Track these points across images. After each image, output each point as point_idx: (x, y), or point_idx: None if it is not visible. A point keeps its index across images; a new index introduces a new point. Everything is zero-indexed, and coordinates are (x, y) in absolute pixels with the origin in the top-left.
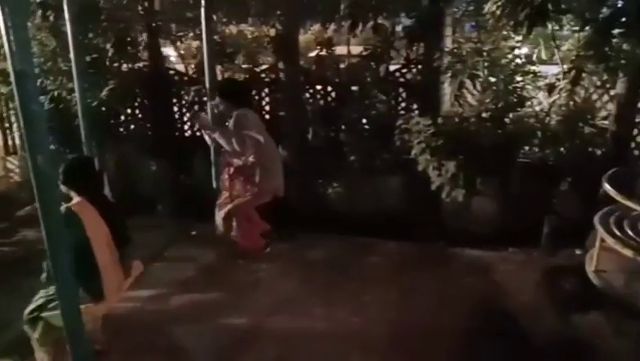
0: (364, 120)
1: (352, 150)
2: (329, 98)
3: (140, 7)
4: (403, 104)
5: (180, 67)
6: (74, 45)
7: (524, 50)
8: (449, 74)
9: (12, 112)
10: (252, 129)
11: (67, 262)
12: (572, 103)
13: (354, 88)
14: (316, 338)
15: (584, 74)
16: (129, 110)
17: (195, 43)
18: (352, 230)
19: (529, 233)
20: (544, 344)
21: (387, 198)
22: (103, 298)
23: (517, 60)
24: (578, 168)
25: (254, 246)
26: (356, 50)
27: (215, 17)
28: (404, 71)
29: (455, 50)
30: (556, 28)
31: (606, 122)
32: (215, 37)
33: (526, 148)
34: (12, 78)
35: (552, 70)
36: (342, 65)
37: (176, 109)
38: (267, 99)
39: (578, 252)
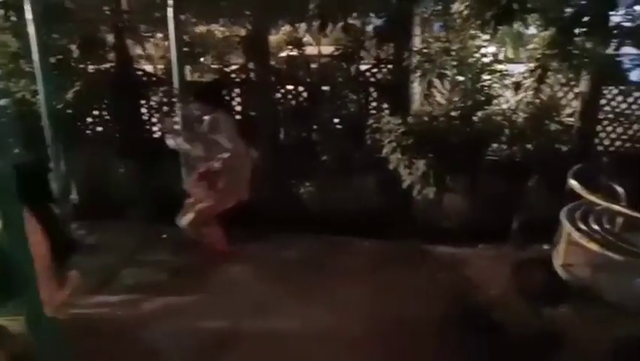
0: (336, 120)
1: (324, 149)
2: (300, 98)
3: (106, 7)
4: (374, 104)
5: (149, 68)
6: (38, 46)
7: (491, 49)
8: (418, 74)
9: None
10: (223, 134)
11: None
12: (538, 101)
13: (325, 88)
14: (292, 338)
15: (549, 73)
16: (96, 112)
17: (164, 44)
18: (326, 229)
19: (499, 229)
20: (515, 336)
21: (359, 197)
22: None
23: (485, 59)
24: (544, 164)
25: (220, 249)
26: (327, 50)
27: (183, 17)
28: (374, 70)
29: (424, 50)
30: (523, 27)
31: (571, 119)
32: (185, 37)
33: (495, 146)
34: None
35: (519, 68)
36: (313, 65)
37: (144, 110)
38: (238, 99)
39: (546, 247)
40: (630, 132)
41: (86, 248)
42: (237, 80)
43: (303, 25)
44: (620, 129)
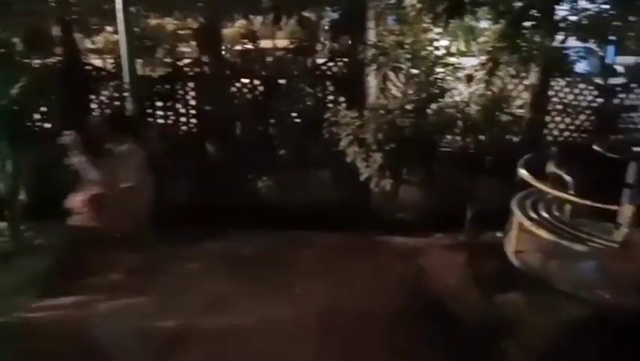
0: (293, 114)
1: (282, 143)
2: (256, 92)
3: None
4: (331, 97)
5: (98, 62)
6: None
7: (444, 43)
8: (374, 67)
9: None
10: (129, 167)
11: None
12: (489, 93)
13: (281, 81)
14: (249, 335)
15: (500, 65)
16: (44, 108)
17: (114, 37)
18: (284, 224)
19: (454, 218)
20: (469, 323)
21: (318, 191)
22: None
23: (438, 52)
24: (496, 154)
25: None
26: (283, 43)
27: (134, 9)
28: (330, 64)
29: (378, 43)
30: (474, 20)
31: (522, 110)
32: (136, 29)
33: (449, 137)
34: None
35: (471, 61)
36: (269, 59)
37: (94, 106)
38: (192, 94)
39: (499, 234)
40: (577, 122)
41: (35, 250)
42: (191, 73)
43: (258, 19)
44: (567, 120)
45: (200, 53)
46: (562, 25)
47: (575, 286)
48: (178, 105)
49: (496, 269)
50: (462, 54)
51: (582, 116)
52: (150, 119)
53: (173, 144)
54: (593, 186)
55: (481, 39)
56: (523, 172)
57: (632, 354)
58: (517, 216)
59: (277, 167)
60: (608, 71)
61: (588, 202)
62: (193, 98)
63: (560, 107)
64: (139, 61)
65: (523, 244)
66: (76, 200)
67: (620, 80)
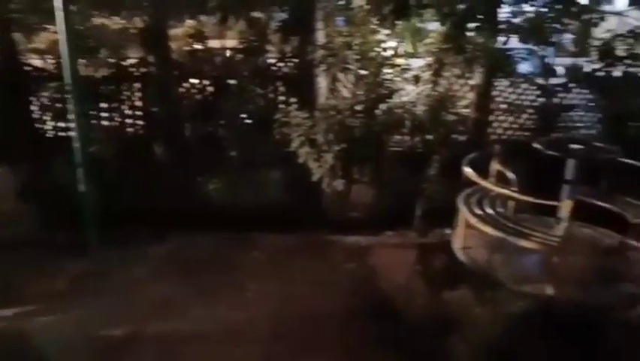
0: (243, 114)
1: (232, 144)
2: (206, 93)
3: None
4: (282, 98)
5: (38, 62)
6: None
7: (392, 44)
8: (323, 68)
9: None
10: None
11: None
12: (436, 93)
13: (231, 82)
14: (197, 340)
15: (445, 66)
16: None
17: (54, 37)
18: (234, 226)
19: (403, 216)
20: (418, 320)
21: (269, 192)
22: None
23: (385, 53)
24: (443, 153)
25: None
26: (231, 43)
27: (75, 8)
28: (280, 64)
29: (328, 44)
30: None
31: (467, 110)
32: (80, 27)
33: (398, 137)
34: None
35: (418, 62)
36: (218, 59)
37: (34, 107)
38: (138, 94)
39: (447, 231)
40: (520, 121)
41: None
42: (137, 74)
43: (206, 18)
44: (510, 119)
45: (145, 53)
46: (504, 27)
47: (518, 281)
48: (123, 107)
49: (445, 266)
50: (409, 55)
51: (524, 115)
52: (94, 121)
53: (118, 145)
54: (534, 182)
55: (427, 40)
56: (468, 170)
57: (575, 346)
58: (463, 213)
59: (227, 168)
60: (548, 71)
61: (530, 198)
62: (139, 99)
63: (503, 106)
64: (82, 61)
65: (469, 240)
66: None
67: (560, 80)
